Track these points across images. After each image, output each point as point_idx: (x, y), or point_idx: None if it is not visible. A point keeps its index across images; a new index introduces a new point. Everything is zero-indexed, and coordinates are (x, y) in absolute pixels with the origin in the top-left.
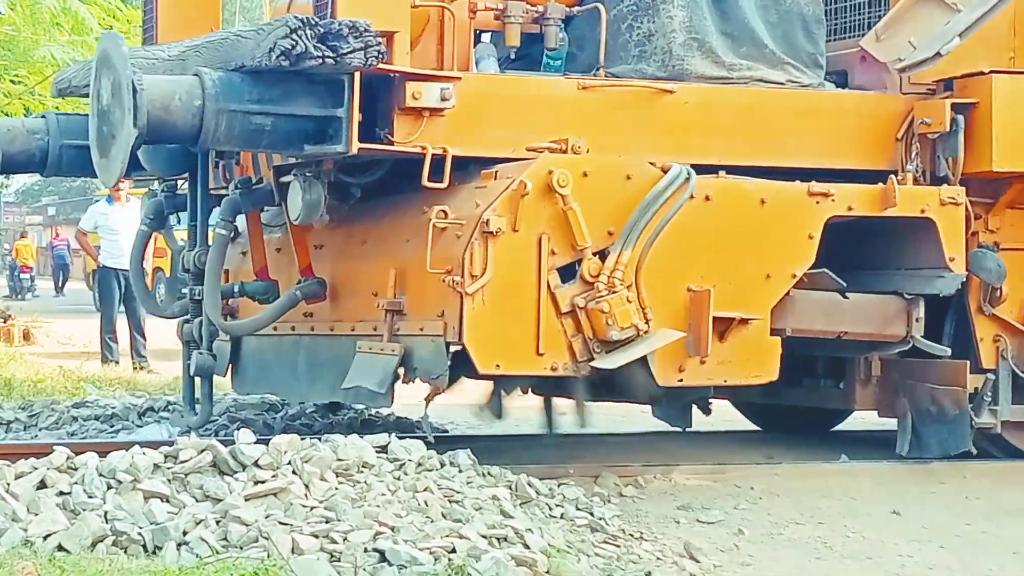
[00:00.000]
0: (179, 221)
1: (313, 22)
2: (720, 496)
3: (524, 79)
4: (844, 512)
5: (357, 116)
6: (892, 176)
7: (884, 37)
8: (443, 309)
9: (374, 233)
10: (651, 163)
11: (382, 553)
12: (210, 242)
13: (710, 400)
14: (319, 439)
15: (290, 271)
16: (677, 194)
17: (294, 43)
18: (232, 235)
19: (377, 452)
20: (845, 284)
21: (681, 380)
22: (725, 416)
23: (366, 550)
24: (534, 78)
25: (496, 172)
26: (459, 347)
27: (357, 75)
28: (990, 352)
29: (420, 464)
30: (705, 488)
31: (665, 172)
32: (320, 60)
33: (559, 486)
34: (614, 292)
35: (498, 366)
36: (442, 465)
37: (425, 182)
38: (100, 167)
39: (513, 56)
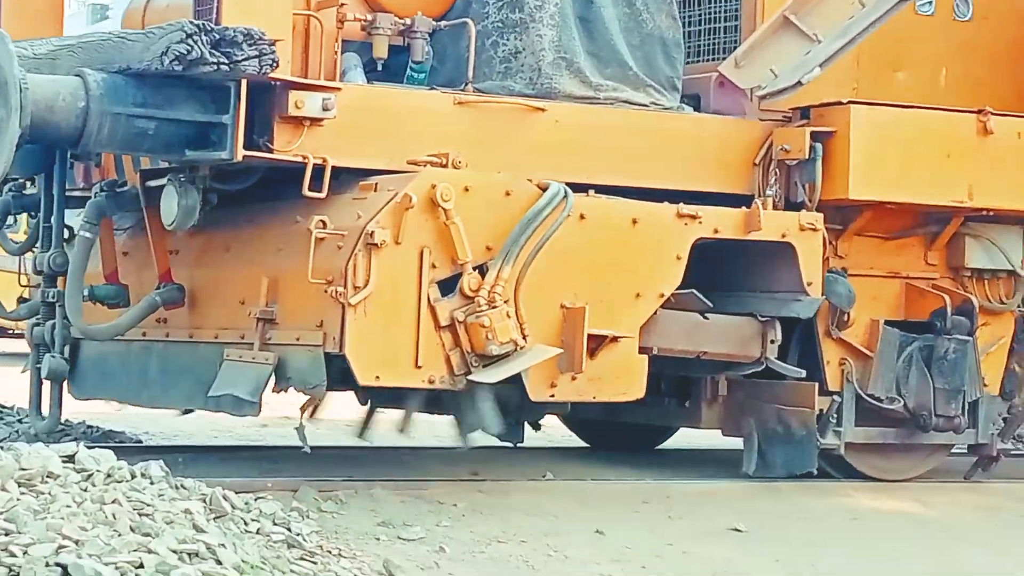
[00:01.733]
0: (15, 222)
1: (208, 27)
2: (422, 513)
3: (403, 92)
4: (547, 530)
5: (243, 123)
6: (756, 200)
7: (744, 64)
8: (322, 319)
9: (239, 240)
10: (528, 180)
11: (65, 568)
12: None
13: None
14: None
15: (139, 276)
16: (556, 212)
17: (189, 48)
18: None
19: (64, 462)
20: (712, 305)
21: (553, 396)
22: (433, 432)
23: (48, 564)
24: (413, 91)
25: (376, 184)
26: (338, 357)
27: (244, 82)
28: (836, 375)
29: (109, 475)
30: (408, 504)
31: (543, 190)
32: (215, 66)
33: (256, 500)
34: (494, 307)
35: (377, 378)
36: (133, 476)
37: (306, 191)
38: None
39: (380, 68)
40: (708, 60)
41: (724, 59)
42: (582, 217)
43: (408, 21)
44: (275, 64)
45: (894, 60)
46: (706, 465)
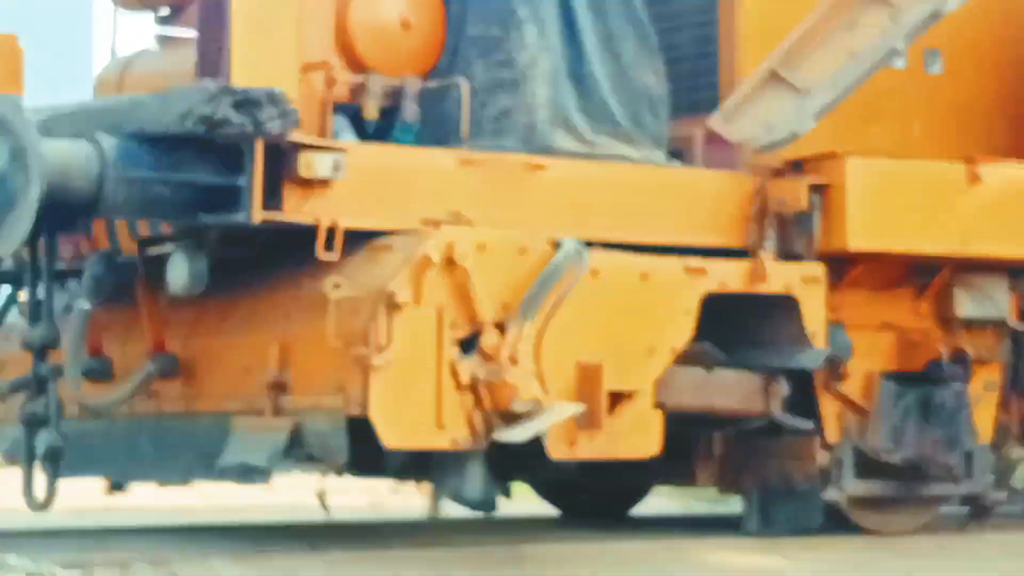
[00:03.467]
0: None
1: (231, 89)
2: None
3: (408, 152)
4: None
5: (260, 185)
6: (761, 253)
7: (733, 118)
8: (342, 382)
9: (238, 308)
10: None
11: None
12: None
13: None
14: None
15: (123, 348)
16: (573, 268)
17: (214, 110)
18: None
19: None
20: (725, 358)
21: (572, 454)
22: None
23: None
24: (418, 151)
25: (391, 244)
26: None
27: (260, 143)
28: (834, 428)
29: None
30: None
31: (555, 246)
32: (240, 127)
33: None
34: (517, 365)
35: (403, 439)
36: None
37: (320, 254)
38: None
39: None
40: (690, 115)
41: (704, 115)
42: (594, 272)
43: (398, 83)
44: (297, 124)
45: (867, 113)
46: (693, 528)
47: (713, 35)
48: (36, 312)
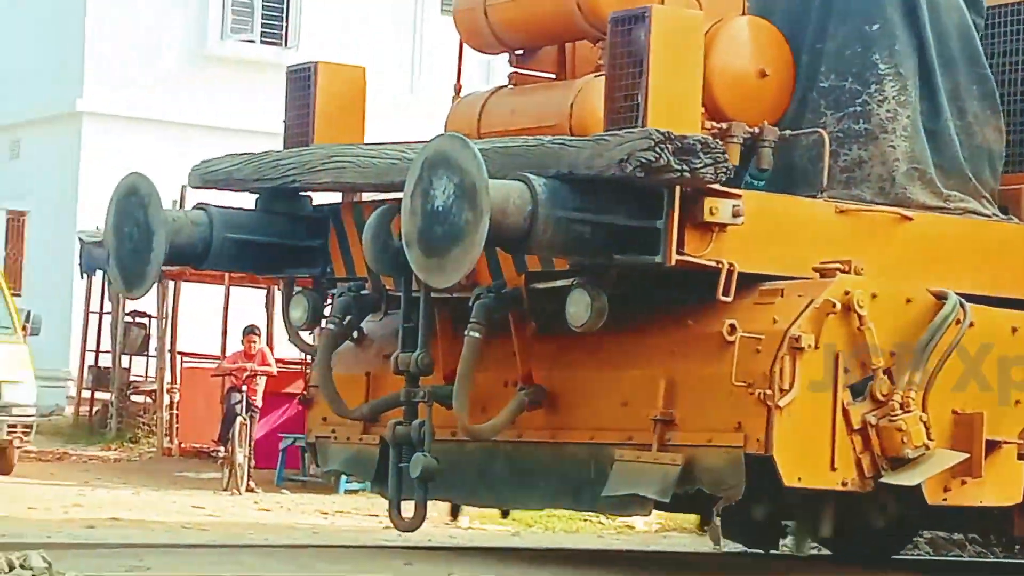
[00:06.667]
0: None
1: (672, 136)
2: None
3: (793, 200)
4: None
5: (675, 228)
6: None
7: None
8: (739, 421)
9: (611, 343)
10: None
11: None
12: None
13: None
14: None
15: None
16: (958, 320)
17: (657, 155)
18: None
19: None
20: None
21: (945, 500)
22: None
23: None
24: (801, 200)
25: (783, 289)
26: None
27: (678, 188)
28: None
29: None
30: None
31: (937, 298)
32: (679, 174)
33: None
34: (908, 412)
35: (800, 479)
36: (11, 568)
37: (719, 296)
38: (429, 267)
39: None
40: (1015, 171)
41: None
42: (971, 325)
43: (757, 130)
44: (729, 173)
45: None
46: None
47: None
48: (411, 339)
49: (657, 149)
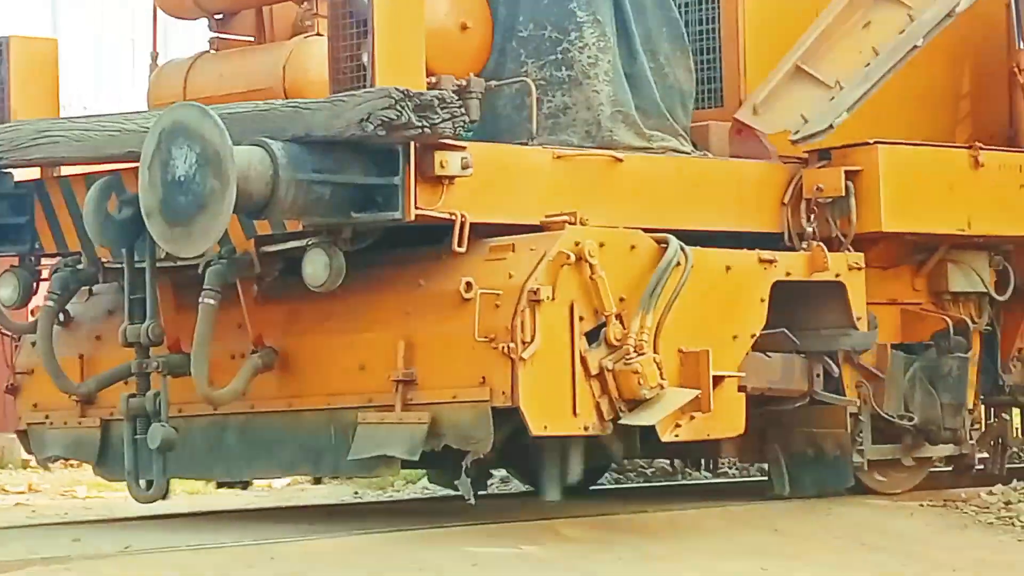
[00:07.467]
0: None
1: (411, 93)
2: None
3: (514, 149)
4: None
5: (413, 184)
6: (815, 243)
7: (762, 111)
8: (483, 375)
9: (339, 305)
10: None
11: None
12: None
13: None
14: None
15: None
16: (681, 263)
17: (398, 114)
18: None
19: None
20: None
21: (677, 436)
22: None
23: None
24: (524, 148)
25: (513, 244)
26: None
27: (413, 144)
28: (853, 397)
29: None
30: None
31: (658, 243)
32: (419, 130)
33: None
34: (642, 354)
35: (546, 427)
36: None
37: (454, 247)
38: (175, 237)
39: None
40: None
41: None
42: (692, 267)
43: (463, 82)
44: (464, 125)
45: None
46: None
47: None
48: (138, 310)
49: (398, 107)
